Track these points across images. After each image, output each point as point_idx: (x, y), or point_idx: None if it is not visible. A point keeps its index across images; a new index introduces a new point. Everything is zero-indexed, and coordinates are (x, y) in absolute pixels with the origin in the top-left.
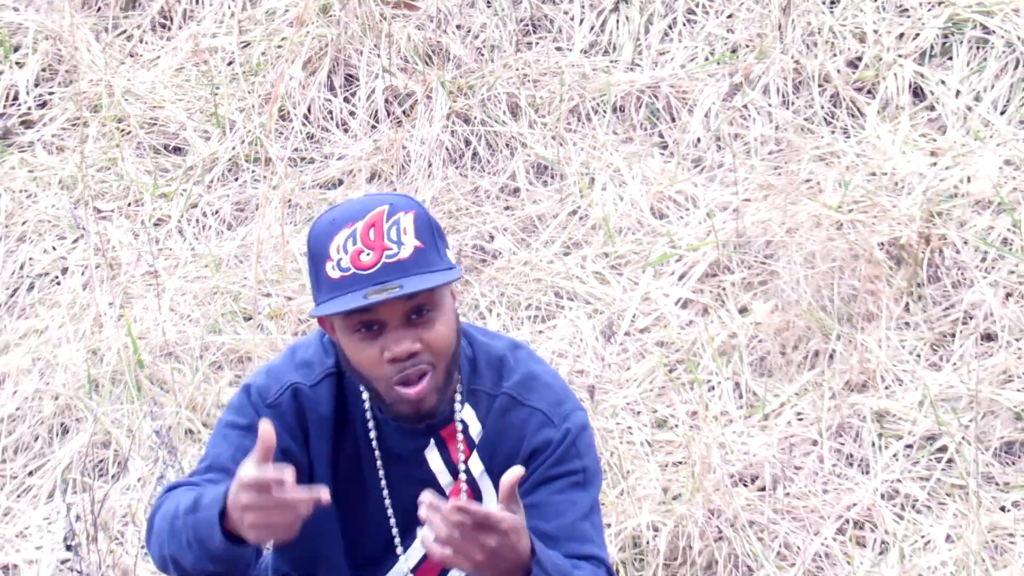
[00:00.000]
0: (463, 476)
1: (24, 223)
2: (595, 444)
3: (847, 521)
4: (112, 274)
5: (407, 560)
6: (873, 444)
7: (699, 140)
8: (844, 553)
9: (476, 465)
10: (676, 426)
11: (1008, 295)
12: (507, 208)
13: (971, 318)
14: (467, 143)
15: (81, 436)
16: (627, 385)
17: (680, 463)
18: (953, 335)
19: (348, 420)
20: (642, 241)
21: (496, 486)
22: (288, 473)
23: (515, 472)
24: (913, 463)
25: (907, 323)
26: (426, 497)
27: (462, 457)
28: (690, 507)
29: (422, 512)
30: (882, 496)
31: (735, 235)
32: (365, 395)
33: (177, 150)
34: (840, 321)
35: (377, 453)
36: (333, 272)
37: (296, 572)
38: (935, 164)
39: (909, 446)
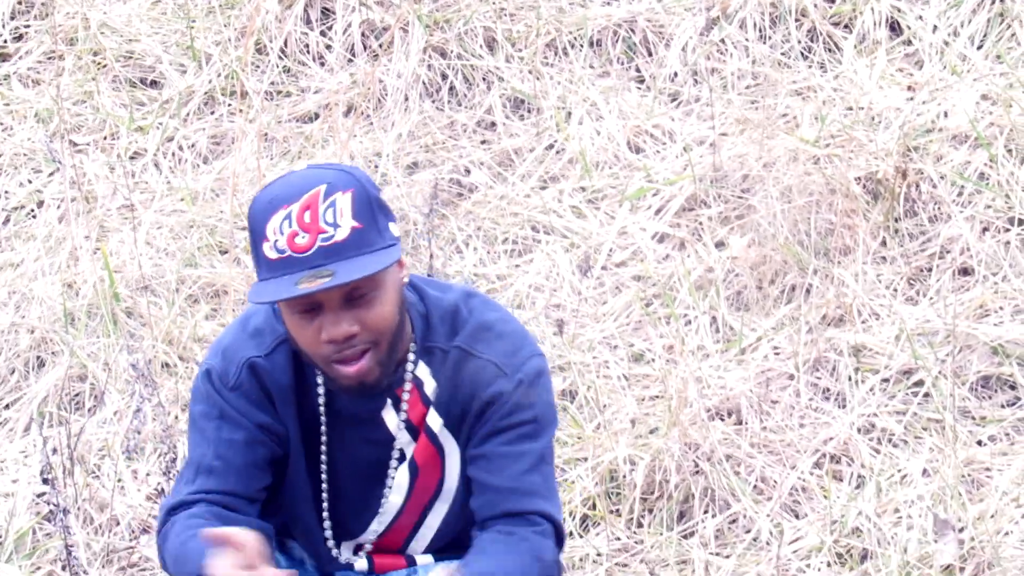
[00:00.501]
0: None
1: (0, 156)
2: (551, 388)
3: (824, 455)
4: (88, 207)
5: (379, 522)
6: (850, 378)
7: (676, 74)
8: (821, 487)
9: (435, 420)
10: (653, 360)
11: (984, 230)
12: (483, 142)
13: (948, 252)
14: (444, 77)
15: (57, 369)
16: (604, 319)
17: (657, 397)
18: (930, 269)
19: (307, 385)
20: (619, 175)
21: (457, 440)
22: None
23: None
24: (890, 397)
25: (884, 257)
26: None
27: (404, 416)
28: (667, 441)
29: None
30: (859, 430)
31: (712, 169)
32: None
33: (153, 83)
34: (817, 255)
35: (323, 419)
36: (270, 253)
37: (279, 534)
38: (912, 99)
39: (886, 380)
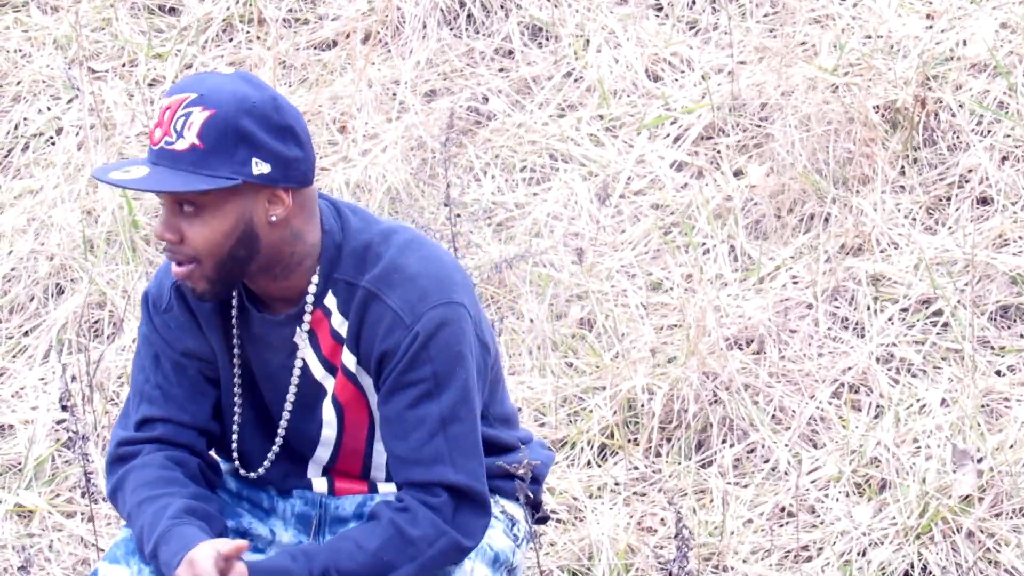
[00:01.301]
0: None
1: (19, 83)
2: (462, 337)
3: (842, 385)
4: (107, 135)
5: (324, 450)
6: (868, 308)
7: (694, 2)
8: (839, 417)
9: (349, 359)
10: (671, 289)
11: (1004, 159)
12: (501, 70)
13: (967, 182)
14: (461, 4)
15: (76, 297)
16: (622, 248)
17: (675, 326)
18: (949, 199)
19: (230, 306)
20: (637, 103)
21: (372, 380)
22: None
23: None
24: (908, 327)
25: (902, 186)
26: None
27: (316, 344)
28: (685, 370)
29: None
30: (877, 360)
31: (730, 98)
32: None
33: (172, 10)
34: (835, 184)
35: (236, 341)
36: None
37: (227, 462)
38: (931, 27)
39: (904, 310)
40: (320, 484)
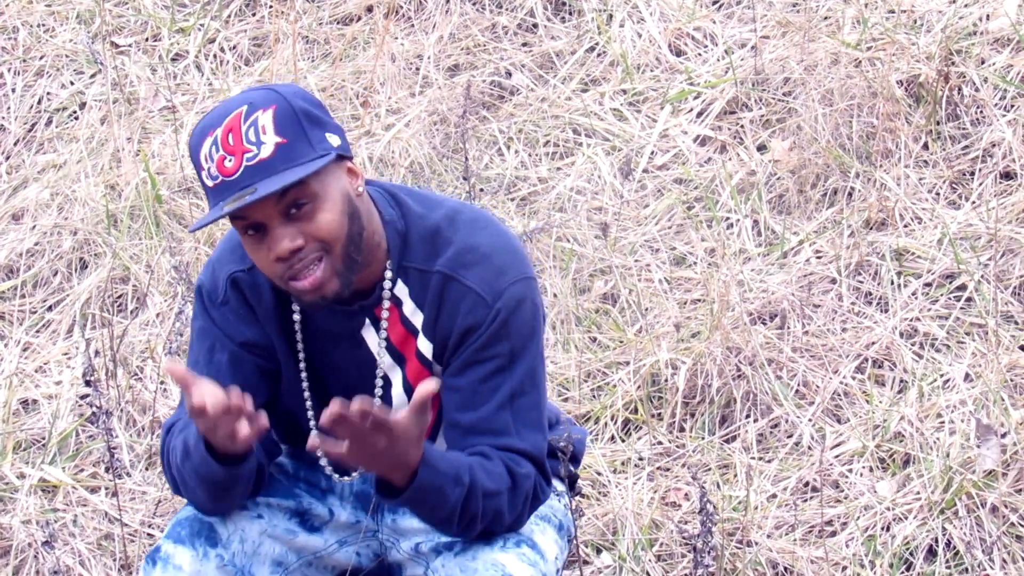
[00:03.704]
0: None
1: (42, 58)
2: (535, 311)
3: (866, 359)
4: (130, 109)
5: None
6: (892, 282)
7: None
8: (863, 392)
9: (425, 346)
10: (695, 264)
11: None
12: (524, 44)
13: (990, 156)
14: None
15: (100, 271)
16: (645, 222)
17: (699, 301)
18: (972, 173)
19: (288, 300)
20: (660, 78)
21: (447, 358)
22: (214, 393)
23: (428, 387)
24: (932, 301)
25: (926, 161)
26: (332, 410)
27: (384, 336)
28: (708, 345)
29: (324, 419)
30: (901, 334)
31: (753, 72)
32: None
33: None
34: (859, 159)
35: (299, 336)
36: (208, 181)
37: (288, 446)
38: (954, 1)
39: (928, 284)
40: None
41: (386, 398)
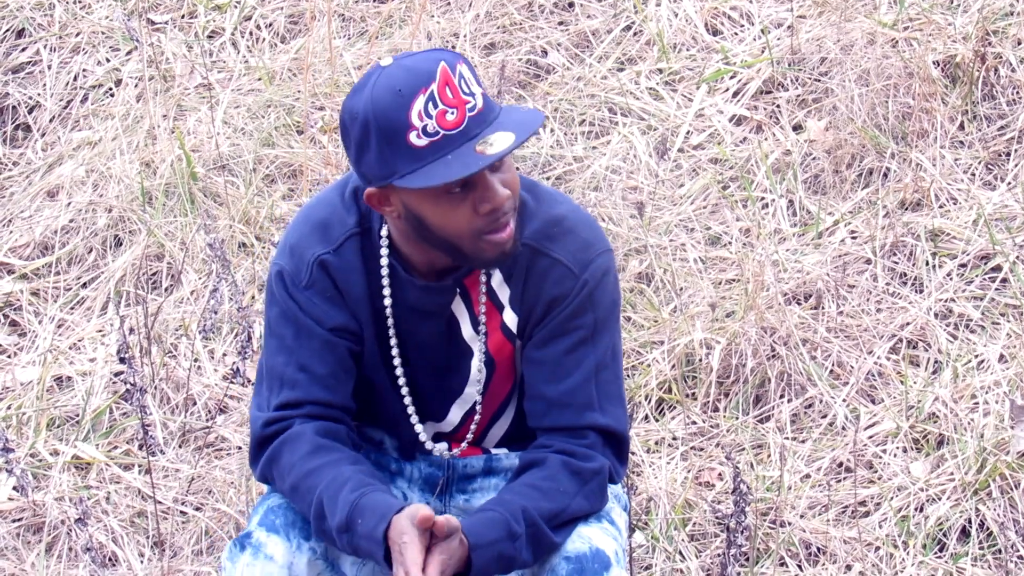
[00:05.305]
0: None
1: (78, 34)
2: (617, 283)
3: (900, 340)
4: (166, 86)
5: (460, 408)
6: (927, 263)
7: None
8: (897, 372)
9: (511, 318)
10: (729, 243)
11: None
12: (561, 23)
13: None
14: None
15: (135, 248)
16: (681, 202)
17: (733, 281)
18: (1008, 154)
19: (376, 277)
20: (696, 57)
21: (530, 329)
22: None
23: (451, 525)
24: (967, 282)
25: (961, 142)
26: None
27: (472, 310)
28: (743, 325)
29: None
30: (935, 315)
31: (789, 52)
32: (384, 256)
33: None
34: (894, 139)
35: (390, 312)
36: (419, 140)
37: (368, 428)
38: None
39: (963, 265)
40: (441, 447)
41: (465, 371)
